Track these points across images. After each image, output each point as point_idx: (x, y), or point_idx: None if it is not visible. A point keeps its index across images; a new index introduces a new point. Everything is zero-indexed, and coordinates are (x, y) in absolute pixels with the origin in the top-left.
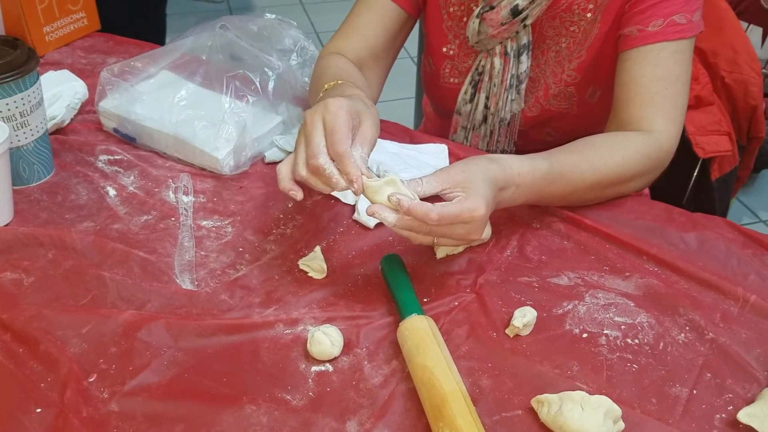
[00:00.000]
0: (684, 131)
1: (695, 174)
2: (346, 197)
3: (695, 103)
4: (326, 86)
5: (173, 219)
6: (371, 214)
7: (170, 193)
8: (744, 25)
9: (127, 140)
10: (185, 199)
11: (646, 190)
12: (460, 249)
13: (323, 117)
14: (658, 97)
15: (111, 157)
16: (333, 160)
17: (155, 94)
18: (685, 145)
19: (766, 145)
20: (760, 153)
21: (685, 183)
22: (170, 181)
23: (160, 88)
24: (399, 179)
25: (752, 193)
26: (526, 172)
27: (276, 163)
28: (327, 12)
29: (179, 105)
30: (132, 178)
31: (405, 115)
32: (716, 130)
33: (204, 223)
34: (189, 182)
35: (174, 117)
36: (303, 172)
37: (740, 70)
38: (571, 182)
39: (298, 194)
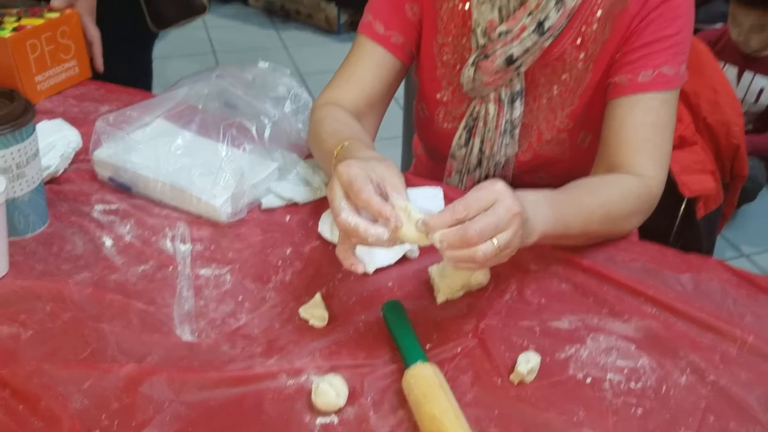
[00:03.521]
0: (669, 171)
1: (681, 212)
2: None
3: (679, 143)
4: (335, 152)
5: (171, 268)
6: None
7: (167, 241)
8: (720, 64)
9: (122, 189)
10: (182, 247)
11: (635, 231)
12: (460, 294)
13: (338, 180)
14: (649, 143)
15: (106, 207)
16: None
17: (151, 142)
18: (670, 184)
19: (747, 181)
20: (741, 189)
21: (671, 222)
22: (167, 229)
23: (156, 137)
24: (407, 206)
25: (734, 228)
26: (533, 192)
27: (273, 209)
28: (310, 52)
29: (176, 154)
30: (128, 227)
31: (392, 155)
32: (701, 169)
33: (202, 271)
34: (186, 230)
35: (171, 165)
36: (340, 234)
37: (722, 111)
38: (584, 210)
39: (359, 267)
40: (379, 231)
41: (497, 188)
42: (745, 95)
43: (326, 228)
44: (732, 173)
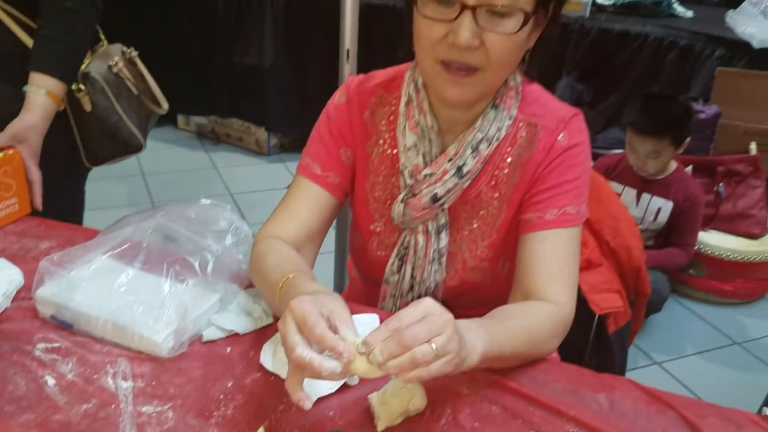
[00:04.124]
0: (580, 290)
1: (594, 328)
2: (285, 374)
3: (586, 265)
4: (279, 284)
5: (113, 406)
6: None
7: (109, 379)
8: (619, 187)
9: (64, 327)
10: (124, 384)
11: (555, 351)
12: (399, 420)
13: (291, 316)
14: (559, 274)
15: (48, 345)
16: (315, 346)
17: (94, 280)
18: (582, 302)
19: (652, 294)
20: (648, 301)
21: (586, 337)
22: (108, 366)
23: (99, 275)
24: (356, 340)
25: (644, 337)
26: (463, 320)
27: (213, 342)
28: (241, 174)
29: (119, 291)
30: (70, 365)
31: (325, 269)
32: (608, 288)
33: (144, 409)
34: (127, 367)
35: (113, 303)
36: (290, 385)
37: (622, 236)
38: (511, 334)
39: (306, 403)
40: (333, 365)
41: (426, 303)
42: (644, 214)
43: (267, 359)
44: (636, 292)
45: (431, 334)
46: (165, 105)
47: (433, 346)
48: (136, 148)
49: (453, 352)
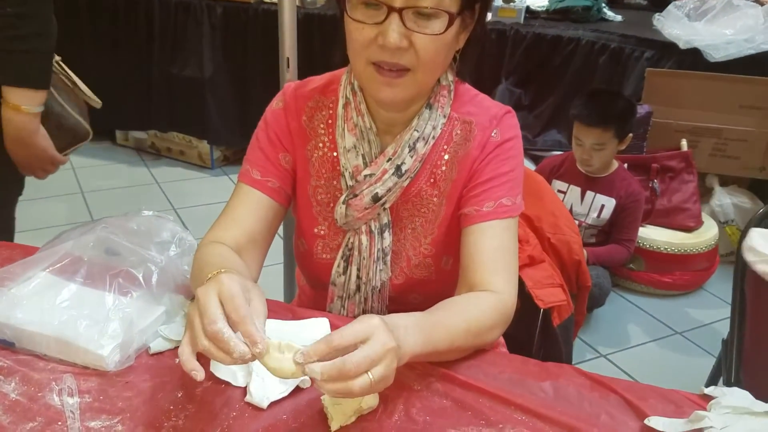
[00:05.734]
0: (525, 286)
1: (539, 322)
2: (237, 380)
3: (530, 262)
4: (209, 275)
5: (60, 423)
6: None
7: (54, 396)
8: (565, 185)
9: (5, 345)
10: (70, 401)
11: (504, 344)
12: (353, 419)
13: (218, 289)
14: (499, 264)
15: None
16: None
17: (35, 297)
18: (527, 298)
19: (594, 289)
20: (589, 296)
21: (533, 330)
22: (53, 383)
23: (40, 291)
24: (293, 343)
25: (590, 332)
26: (405, 317)
27: (161, 353)
28: (183, 188)
29: (61, 307)
30: (13, 384)
31: (274, 282)
32: (550, 283)
33: (92, 424)
34: (73, 383)
35: (56, 319)
36: (204, 341)
37: (561, 232)
38: (450, 329)
39: (199, 374)
40: (245, 349)
41: (373, 323)
42: (588, 211)
43: (218, 366)
44: (578, 285)
45: (372, 364)
46: (98, 99)
47: (370, 376)
48: (84, 135)
49: (386, 380)
